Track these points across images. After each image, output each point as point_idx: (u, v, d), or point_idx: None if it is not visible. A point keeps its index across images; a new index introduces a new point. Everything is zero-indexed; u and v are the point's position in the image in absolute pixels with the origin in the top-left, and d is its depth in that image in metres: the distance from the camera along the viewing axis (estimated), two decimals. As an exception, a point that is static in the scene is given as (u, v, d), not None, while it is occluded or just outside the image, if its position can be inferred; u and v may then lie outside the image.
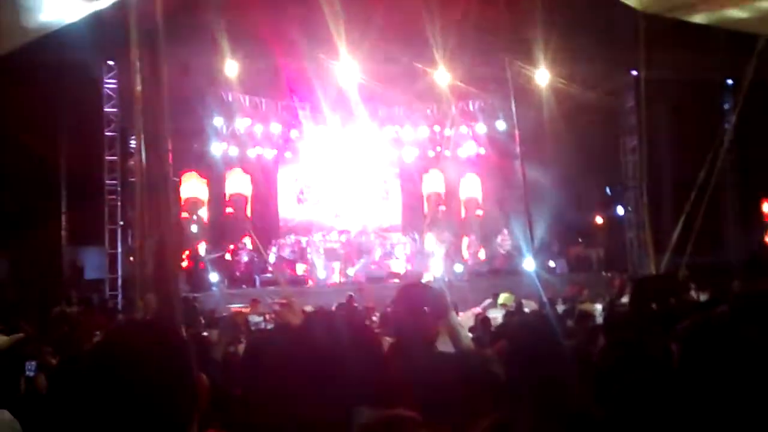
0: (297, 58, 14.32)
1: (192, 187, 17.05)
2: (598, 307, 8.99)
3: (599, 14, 10.88)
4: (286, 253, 16.77)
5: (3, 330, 5.24)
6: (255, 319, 10.21)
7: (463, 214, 19.22)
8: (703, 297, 6.03)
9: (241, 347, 5.22)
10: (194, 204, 16.94)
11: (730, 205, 16.59)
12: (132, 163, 12.58)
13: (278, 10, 11.47)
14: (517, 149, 13.67)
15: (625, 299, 9.35)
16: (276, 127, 17.23)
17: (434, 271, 16.41)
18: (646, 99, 10.99)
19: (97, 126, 14.50)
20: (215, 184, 17.44)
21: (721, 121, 12.86)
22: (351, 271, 16.43)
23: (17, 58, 9.10)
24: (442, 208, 19.03)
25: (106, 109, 14.41)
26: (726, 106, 15.24)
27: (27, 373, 3.89)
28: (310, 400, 2.12)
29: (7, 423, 3.03)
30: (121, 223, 14.50)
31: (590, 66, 15.25)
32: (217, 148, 16.77)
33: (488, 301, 12.04)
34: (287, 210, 18.51)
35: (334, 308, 8.21)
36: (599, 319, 7.06)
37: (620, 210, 17.77)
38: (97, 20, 9.13)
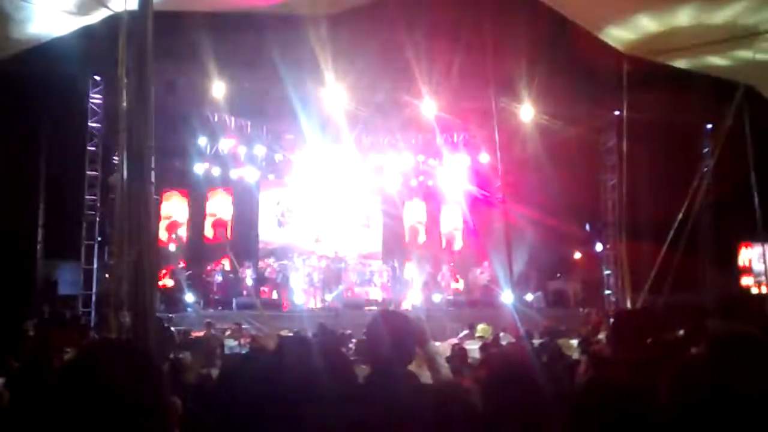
0: (283, 83, 14.39)
1: (173, 206, 16.94)
2: (574, 342, 9.01)
3: (584, 55, 11.08)
4: (264, 275, 16.64)
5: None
6: (230, 343, 10.12)
7: (443, 245, 19.27)
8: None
9: (215, 371, 5.16)
10: (174, 223, 16.82)
11: (707, 247, 16.77)
12: (113, 179, 12.48)
13: (267, 33, 11.53)
14: (499, 182, 13.77)
15: (601, 335, 9.40)
16: (260, 149, 17.23)
17: (413, 300, 16.38)
18: (627, 139, 11.16)
19: (79, 140, 14.38)
20: (196, 203, 17.35)
21: (699, 165, 13.07)
22: (329, 297, 16.33)
23: (1, 69, 9.07)
24: (423, 237, 19.08)
25: (89, 124, 14.32)
26: (705, 150, 15.51)
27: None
28: (282, 428, 2.09)
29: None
30: (99, 239, 14.32)
31: (574, 104, 15.49)
32: (199, 168, 16.72)
33: (465, 332, 12.04)
34: (267, 233, 18.43)
35: (310, 334, 8.16)
36: (575, 355, 7.10)
37: (599, 246, 17.92)
38: (85, 35, 9.13)
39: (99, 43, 9.26)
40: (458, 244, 19.32)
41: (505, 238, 8.64)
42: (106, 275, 13.72)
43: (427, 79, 13.18)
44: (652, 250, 10.64)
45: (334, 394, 2.14)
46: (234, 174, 17.37)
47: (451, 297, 16.98)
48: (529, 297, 16.47)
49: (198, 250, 17.01)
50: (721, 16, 8.20)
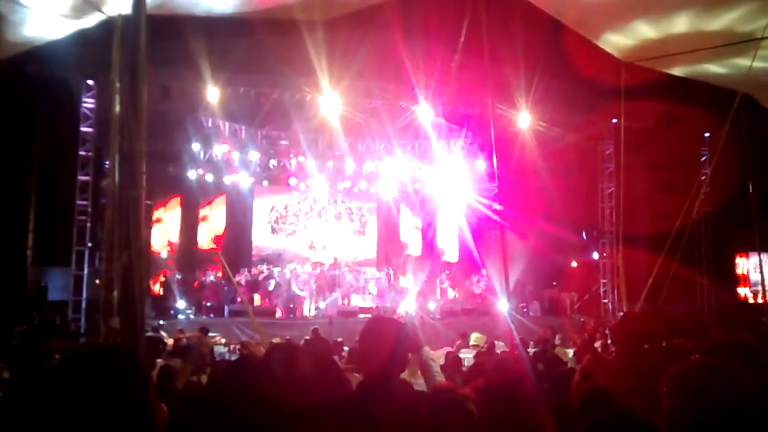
0: (279, 88, 14.35)
1: (165, 211, 16.81)
2: (570, 351, 8.92)
3: (582, 63, 11.07)
4: (257, 282, 16.51)
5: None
6: (220, 349, 10.01)
7: (438, 252, 19.19)
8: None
9: (204, 378, 5.05)
10: (166, 229, 16.70)
11: (703, 257, 16.75)
12: (105, 183, 12.36)
13: (261, 38, 11.48)
14: (496, 190, 13.72)
15: (597, 344, 9.31)
16: (254, 155, 17.14)
17: (407, 308, 16.28)
18: (624, 147, 11.14)
19: (71, 144, 14.26)
20: (189, 209, 17.23)
21: (697, 173, 13.06)
22: (322, 304, 16.22)
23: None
24: (418, 245, 19.00)
25: (82, 129, 14.21)
26: (702, 159, 15.52)
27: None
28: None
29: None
30: (90, 244, 14.18)
31: (571, 112, 15.48)
32: (193, 174, 16.64)
33: (459, 341, 11.93)
34: (261, 239, 18.35)
35: (302, 342, 8.06)
36: (570, 364, 7.00)
37: (595, 255, 17.88)
38: (80, 39, 9.07)
39: (92, 48, 9.21)
40: (454, 252, 19.23)
41: (501, 246, 8.58)
42: (97, 281, 13.59)
43: (424, 85, 13.14)
44: (648, 259, 10.59)
45: (325, 402, 2.07)
46: (228, 180, 17.29)
47: (446, 305, 16.89)
48: (525, 306, 16.40)
49: (190, 257, 16.89)
50: (718, 24, 8.20)
